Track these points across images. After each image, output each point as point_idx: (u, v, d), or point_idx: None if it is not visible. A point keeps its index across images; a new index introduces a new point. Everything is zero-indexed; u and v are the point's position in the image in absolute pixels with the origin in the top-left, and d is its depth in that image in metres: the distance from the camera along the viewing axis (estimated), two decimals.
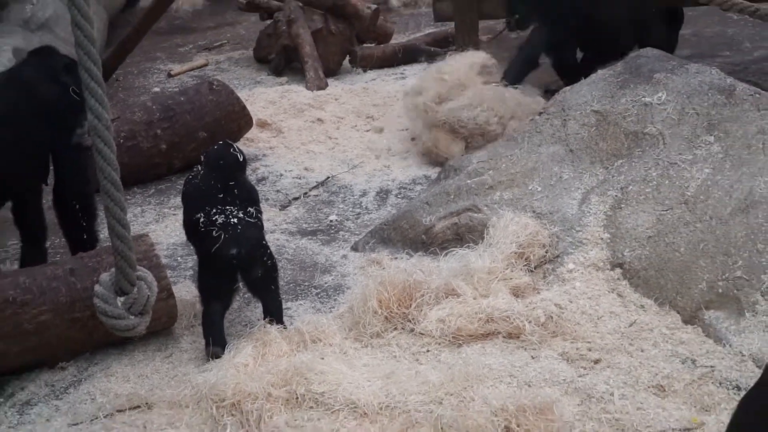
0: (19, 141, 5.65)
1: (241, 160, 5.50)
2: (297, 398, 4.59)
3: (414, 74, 9.28)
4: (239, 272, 5.16)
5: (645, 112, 6.02)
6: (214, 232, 5.12)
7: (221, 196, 5.25)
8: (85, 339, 5.20)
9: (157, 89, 10.14)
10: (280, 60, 10.34)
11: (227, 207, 5.20)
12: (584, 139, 6.12)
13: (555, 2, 8.13)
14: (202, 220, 5.18)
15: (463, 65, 8.03)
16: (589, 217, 5.65)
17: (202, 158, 5.53)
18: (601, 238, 5.53)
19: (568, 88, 6.54)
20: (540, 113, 6.47)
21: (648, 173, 5.70)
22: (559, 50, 8.42)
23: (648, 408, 4.44)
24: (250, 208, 5.28)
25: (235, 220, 5.16)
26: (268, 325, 5.15)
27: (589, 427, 4.36)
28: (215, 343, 5.07)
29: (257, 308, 5.42)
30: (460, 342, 5.05)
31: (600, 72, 6.52)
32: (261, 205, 5.51)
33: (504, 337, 5.06)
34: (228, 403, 4.58)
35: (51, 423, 4.77)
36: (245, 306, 5.59)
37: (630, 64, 6.42)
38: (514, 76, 8.27)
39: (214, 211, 5.18)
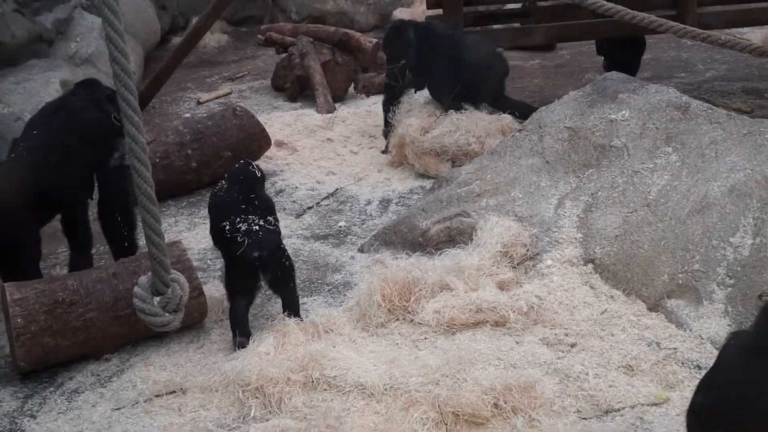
0: (67, 161, 5.63)
1: (259, 175, 5.52)
2: (313, 382, 4.58)
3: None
4: (261, 272, 5.15)
5: (611, 127, 6.00)
6: (238, 237, 5.10)
7: (243, 206, 5.23)
8: (126, 333, 5.18)
9: (187, 115, 10.10)
10: (294, 88, 10.31)
11: (249, 216, 5.19)
12: (558, 152, 6.09)
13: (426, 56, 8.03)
14: (227, 227, 5.16)
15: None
16: (564, 220, 5.62)
17: (226, 175, 5.54)
18: (575, 238, 5.50)
19: (543, 108, 6.51)
20: (519, 130, 6.45)
21: (615, 180, 5.68)
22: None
23: (619, 385, 4.44)
24: (269, 217, 5.28)
25: (257, 227, 5.14)
26: (287, 318, 5.13)
27: (568, 402, 4.35)
28: (241, 334, 5.05)
29: (277, 303, 5.40)
30: (454, 330, 5.04)
31: (571, 93, 6.50)
32: (278, 214, 5.50)
33: (492, 325, 5.04)
34: (252, 387, 4.58)
35: (96, 408, 4.74)
36: (267, 302, 5.56)
37: (597, 86, 6.40)
38: (444, 100, 8.12)
39: (238, 219, 5.17)
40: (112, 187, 5.84)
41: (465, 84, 7.91)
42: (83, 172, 5.78)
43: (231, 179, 5.45)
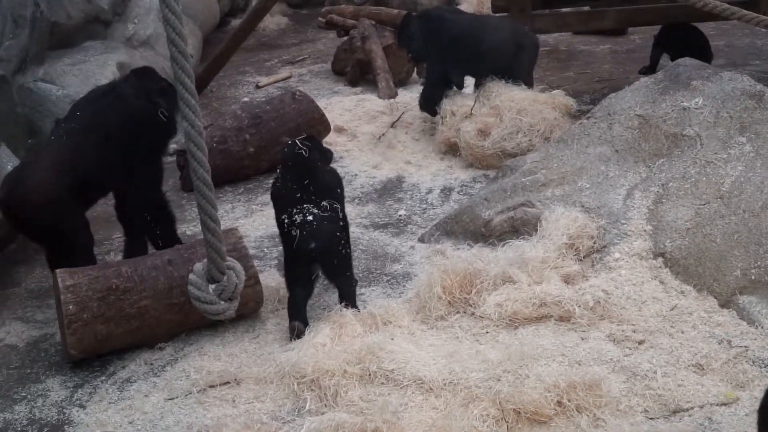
0: (107, 146, 5.62)
1: (307, 155, 5.38)
2: (369, 375, 4.58)
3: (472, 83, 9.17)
4: (317, 263, 5.14)
5: (683, 115, 5.91)
6: (293, 231, 5.11)
7: (298, 195, 5.21)
8: (181, 322, 5.21)
9: (246, 99, 10.16)
10: (355, 72, 10.31)
11: (304, 205, 5.16)
12: (628, 141, 6.02)
13: (436, 37, 8.06)
14: (286, 221, 5.17)
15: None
16: (633, 211, 5.55)
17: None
18: (644, 230, 5.43)
19: (613, 94, 6.43)
20: (588, 117, 6.38)
21: (687, 171, 5.59)
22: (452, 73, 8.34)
23: (688, 384, 4.39)
24: (324, 202, 5.21)
25: (311, 216, 5.12)
26: (344, 309, 5.13)
27: (634, 401, 4.31)
28: (298, 323, 5.07)
29: (335, 293, 5.39)
30: (516, 324, 5.01)
31: (642, 80, 6.42)
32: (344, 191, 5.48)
33: (556, 320, 5.01)
34: (308, 379, 4.59)
35: (149, 398, 4.78)
36: (324, 292, 5.56)
37: (670, 73, 6.31)
38: (431, 107, 8.26)
39: (294, 210, 5.16)
40: (143, 182, 5.82)
41: (474, 63, 8.12)
42: (125, 160, 5.73)
43: (283, 166, 5.42)
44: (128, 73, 6.21)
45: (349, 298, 5.22)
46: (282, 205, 5.26)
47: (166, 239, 5.87)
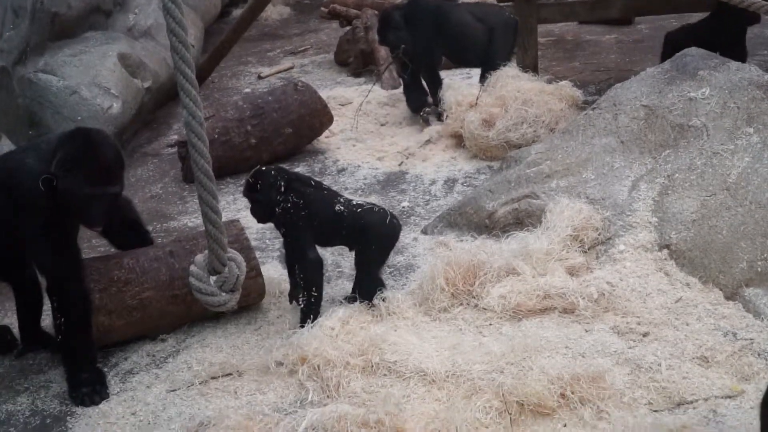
0: None
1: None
2: (372, 366, 4.62)
3: (478, 73, 9.18)
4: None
5: (690, 106, 5.92)
6: (376, 208, 5.33)
7: (328, 192, 5.41)
8: (183, 313, 5.25)
9: (248, 90, 10.19)
10: (358, 63, 10.35)
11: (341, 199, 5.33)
12: (634, 132, 6.04)
13: (415, 30, 8.26)
14: (343, 210, 5.22)
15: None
16: (638, 203, 5.58)
17: (281, 183, 5.24)
18: (650, 222, 5.45)
19: (619, 84, 6.45)
20: (593, 108, 6.40)
21: (693, 162, 5.61)
22: (428, 67, 8.59)
23: (693, 377, 4.40)
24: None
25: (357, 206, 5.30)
26: (356, 299, 5.24)
27: (638, 394, 4.32)
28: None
29: (346, 285, 5.50)
30: (520, 316, 5.03)
31: (648, 70, 6.43)
32: (342, 194, 5.53)
33: (560, 312, 5.03)
34: (311, 365, 4.65)
35: (151, 389, 4.82)
36: (337, 278, 5.68)
37: (676, 63, 6.32)
38: (414, 105, 8.57)
39: (342, 200, 5.30)
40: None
41: (455, 49, 8.46)
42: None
43: (292, 182, 5.28)
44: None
45: (361, 289, 5.30)
46: (324, 203, 5.28)
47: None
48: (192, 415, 4.53)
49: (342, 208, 5.21)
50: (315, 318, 5.04)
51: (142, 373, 4.99)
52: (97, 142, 4.78)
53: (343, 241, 5.34)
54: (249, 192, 5.23)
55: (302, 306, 5.11)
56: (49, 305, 4.86)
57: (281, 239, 5.43)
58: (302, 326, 5.01)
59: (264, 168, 5.29)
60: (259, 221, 5.34)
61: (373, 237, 5.22)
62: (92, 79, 8.15)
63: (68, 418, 4.68)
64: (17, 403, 4.84)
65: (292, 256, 5.24)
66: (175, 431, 4.44)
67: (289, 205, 5.13)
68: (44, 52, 8.15)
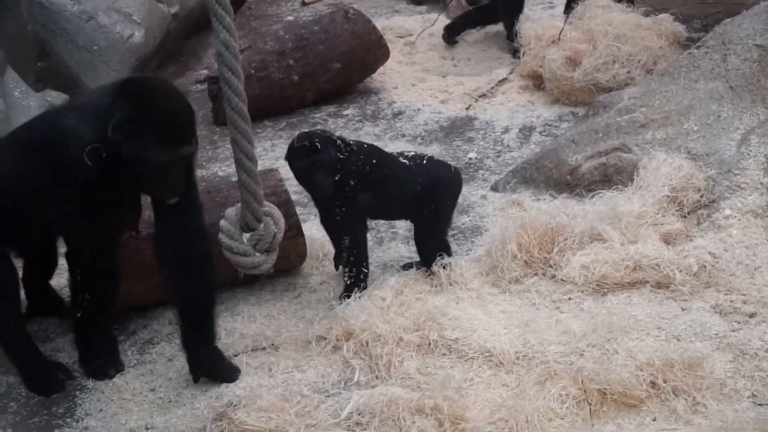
0: None
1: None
2: (429, 344, 4.64)
3: (562, 3, 9.11)
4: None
5: None
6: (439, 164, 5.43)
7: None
8: None
9: (290, 18, 10.18)
10: None
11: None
12: (745, 76, 5.97)
13: None
14: (407, 162, 5.28)
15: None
16: (748, 160, 5.53)
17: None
18: (761, 183, 5.41)
19: (728, 20, 6.37)
20: (698, 47, 6.33)
21: None
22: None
23: None
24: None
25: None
26: (411, 265, 5.29)
27: (741, 384, 4.29)
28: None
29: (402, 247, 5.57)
30: (605, 290, 5.02)
31: (763, 4, 6.35)
32: (397, 141, 5.56)
33: (652, 286, 5.01)
34: (358, 340, 4.67)
35: (173, 363, 4.85)
36: (390, 240, 5.73)
37: None
38: (454, 33, 8.78)
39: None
40: None
41: None
42: None
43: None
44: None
45: (421, 255, 5.34)
46: (385, 154, 5.35)
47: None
48: (219, 394, 4.56)
49: (406, 161, 5.22)
50: (363, 289, 5.08)
51: (163, 343, 5.03)
52: (161, 94, 4.44)
53: (404, 204, 5.32)
54: (307, 155, 4.99)
55: (348, 281, 5.14)
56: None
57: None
58: (348, 296, 5.03)
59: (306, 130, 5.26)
60: (327, 193, 5.06)
61: (444, 193, 5.23)
62: (111, 3, 8.16)
63: (77, 393, 4.73)
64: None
65: (339, 224, 5.19)
66: (200, 411, 4.45)
67: (355, 164, 5.08)
68: None
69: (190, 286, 4.63)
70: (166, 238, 4.65)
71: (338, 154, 5.02)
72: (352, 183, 5.05)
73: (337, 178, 5.01)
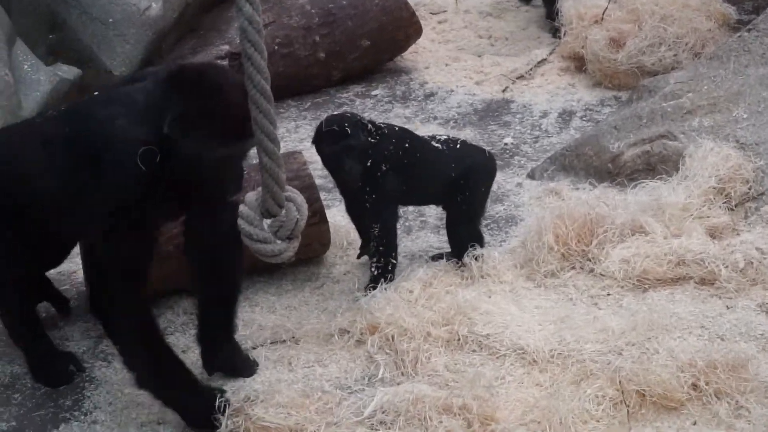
0: None
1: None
2: (458, 339, 4.67)
3: None
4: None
5: None
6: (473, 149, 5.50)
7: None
8: None
9: None
10: None
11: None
12: None
13: None
14: (440, 146, 5.32)
15: None
16: None
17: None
18: None
19: None
20: (749, 30, 6.33)
21: None
22: None
23: None
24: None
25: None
26: (442, 256, 5.32)
27: None
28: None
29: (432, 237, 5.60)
30: (646, 286, 5.04)
31: None
32: (428, 124, 5.58)
33: (696, 282, 5.03)
34: (383, 334, 4.70)
35: (187, 355, 4.83)
36: (419, 230, 5.76)
37: None
38: None
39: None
40: None
41: None
42: None
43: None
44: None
45: (453, 246, 5.38)
46: (417, 137, 5.40)
47: None
48: (236, 388, 4.58)
49: (439, 146, 5.26)
50: (390, 281, 5.12)
51: (177, 334, 5.08)
52: (219, 83, 4.20)
53: (436, 190, 5.36)
54: (336, 140, 4.99)
55: (375, 271, 5.17)
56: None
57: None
58: (374, 287, 5.07)
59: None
60: (356, 181, 5.06)
61: (478, 179, 5.27)
62: None
63: (86, 384, 4.77)
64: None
65: (369, 212, 5.20)
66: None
67: (386, 149, 5.11)
68: None
69: (218, 282, 4.67)
70: (197, 231, 4.67)
71: (369, 139, 5.05)
72: (384, 169, 5.09)
73: (368, 164, 5.04)
